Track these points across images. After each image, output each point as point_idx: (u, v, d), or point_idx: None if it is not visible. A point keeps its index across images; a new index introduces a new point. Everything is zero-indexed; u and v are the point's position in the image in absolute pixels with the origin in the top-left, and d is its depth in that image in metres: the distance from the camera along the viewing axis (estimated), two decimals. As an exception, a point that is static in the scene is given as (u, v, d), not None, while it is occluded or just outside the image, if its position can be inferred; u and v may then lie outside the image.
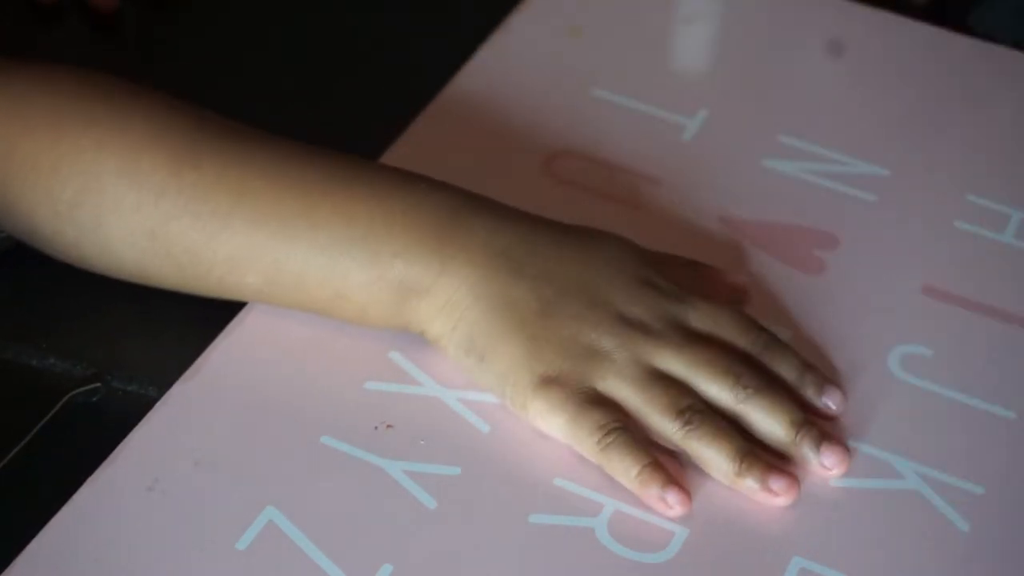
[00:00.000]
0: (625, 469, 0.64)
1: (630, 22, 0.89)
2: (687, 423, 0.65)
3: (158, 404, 0.67)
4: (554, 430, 0.66)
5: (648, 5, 0.91)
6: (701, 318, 0.68)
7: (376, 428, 0.67)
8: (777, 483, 0.64)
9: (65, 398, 0.67)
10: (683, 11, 0.91)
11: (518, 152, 0.80)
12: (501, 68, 0.85)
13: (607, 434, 0.65)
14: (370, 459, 0.66)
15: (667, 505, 0.64)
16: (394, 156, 0.79)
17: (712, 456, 0.64)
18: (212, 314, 0.70)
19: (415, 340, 0.70)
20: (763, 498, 0.64)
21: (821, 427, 0.67)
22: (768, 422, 0.66)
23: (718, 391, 0.66)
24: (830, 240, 0.77)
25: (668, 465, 0.65)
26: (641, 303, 0.67)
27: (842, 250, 0.77)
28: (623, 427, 0.65)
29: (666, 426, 0.65)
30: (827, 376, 0.68)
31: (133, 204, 0.68)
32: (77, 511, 0.63)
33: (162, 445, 0.65)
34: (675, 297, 0.68)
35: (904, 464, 0.67)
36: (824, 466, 0.65)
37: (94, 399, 0.68)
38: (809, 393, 0.67)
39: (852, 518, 0.65)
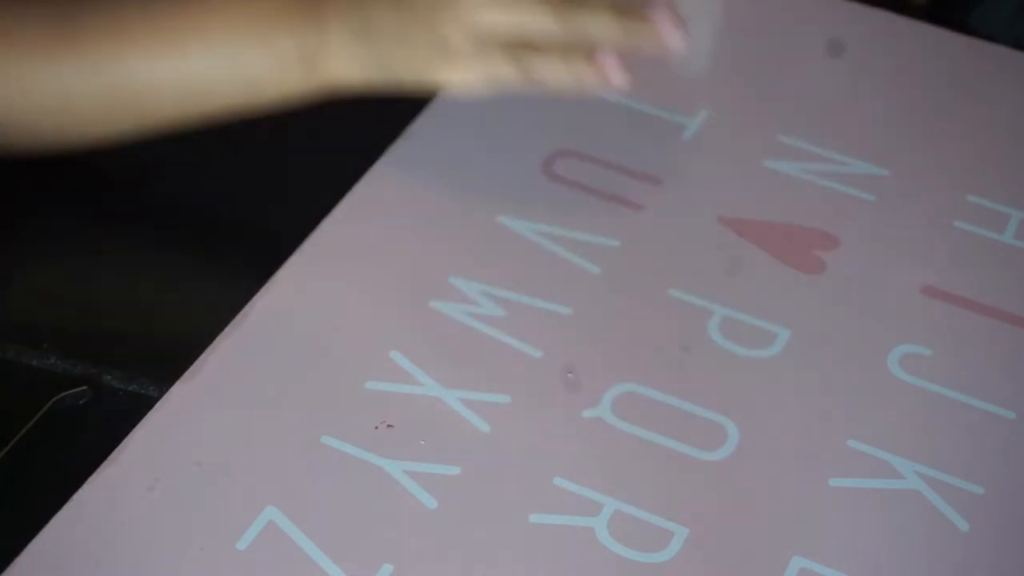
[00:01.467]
0: (552, 68, 0.66)
1: (630, 22, 0.89)
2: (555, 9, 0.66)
3: (158, 404, 0.67)
4: (471, 84, 0.67)
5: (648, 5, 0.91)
6: None
7: (376, 428, 0.67)
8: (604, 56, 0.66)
9: (65, 398, 0.67)
10: (683, 11, 0.91)
11: (518, 152, 0.80)
12: (501, 68, 0.85)
13: (518, 60, 0.66)
14: (370, 459, 0.66)
15: (602, 69, 0.66)
16: (394, 156, 0.79)
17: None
18: (212, 315, 0.70)
19: (415, 340, 0.70)
20: (600, 75, 0.66)
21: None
22: (597, 23, 0.67)
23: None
24: (830, 240, 0.77)
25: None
26: None
27: (842, 250, 0.77)
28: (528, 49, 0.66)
29: (542, 19, 0.66)
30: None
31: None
32: (77, 511, 0.63)
33: (162, 445, 0.65)
34: None
35: (904, 464, 0.67)
36: (662, 33, 0.68)
37: (94, 399, 0.68)
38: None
39: (852, 518, 0.65)
